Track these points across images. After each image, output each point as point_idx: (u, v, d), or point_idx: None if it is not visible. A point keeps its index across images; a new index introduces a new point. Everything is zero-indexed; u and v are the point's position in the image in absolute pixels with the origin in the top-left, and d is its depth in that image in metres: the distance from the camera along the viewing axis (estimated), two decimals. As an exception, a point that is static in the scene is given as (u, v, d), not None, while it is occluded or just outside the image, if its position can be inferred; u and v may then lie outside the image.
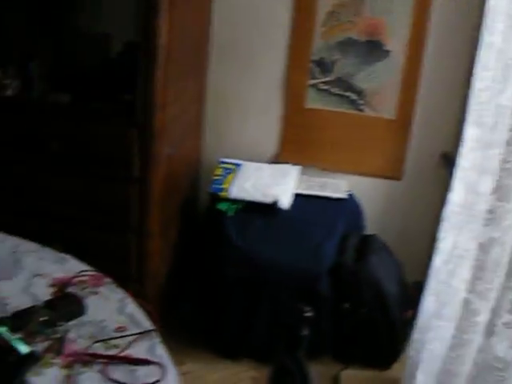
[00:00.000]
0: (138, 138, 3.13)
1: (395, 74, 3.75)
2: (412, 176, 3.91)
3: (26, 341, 1.83)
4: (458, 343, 2.73)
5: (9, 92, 3.34)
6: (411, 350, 3.23)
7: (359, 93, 3.81)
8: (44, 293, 2.12)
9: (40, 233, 2.54)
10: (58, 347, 1.87)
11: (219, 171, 3.77)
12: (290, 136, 3.96)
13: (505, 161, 2.42)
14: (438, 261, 2.98)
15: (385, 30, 3.69)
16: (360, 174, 3.95)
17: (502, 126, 2.42)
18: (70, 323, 1.98)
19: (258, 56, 3.85)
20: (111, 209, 3.27)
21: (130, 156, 3.16)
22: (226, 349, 3.62)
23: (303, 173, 3.89)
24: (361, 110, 3.85)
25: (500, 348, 2.57)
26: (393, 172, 3.92)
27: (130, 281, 2.31)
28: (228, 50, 3.86)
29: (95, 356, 1.85)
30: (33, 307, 1.98)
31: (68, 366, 1.81)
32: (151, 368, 1.84)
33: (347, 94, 3.83)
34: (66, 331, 1.94)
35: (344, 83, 3.81)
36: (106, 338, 1.94)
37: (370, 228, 3.91)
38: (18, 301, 2.06)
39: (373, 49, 3.73)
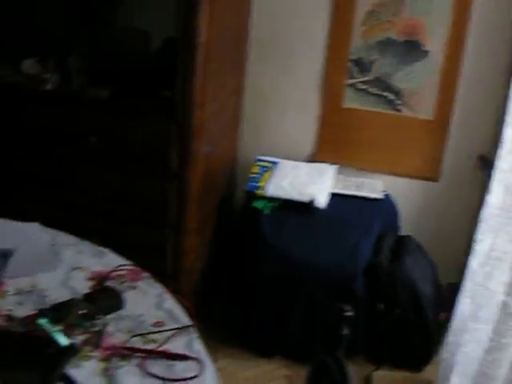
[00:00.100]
0: (176, 135, 3.14)
1: (434, 74, 3.72)
2: (449, 177, 3.88)
3: (66, 333, 1.85)
4: (495, 346, 2.71)
5: (48, 86, 3.36)
6: (445, 352, 3.21)
7: (397, 93, 3.79)
8: (82, 286, 2.13)
9: (77, 226, 2.55)
10: (96, 340, 1.88)
11: (256, 169, 3.77)
12: (327, 135, 3.95)
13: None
14: (474, 263, 2.96)
15: (424, 30, 3.66)
16: (396, 174, 3.93)
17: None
18: (109, 317, 1.99)
19: (297, 54, 3.84)
20: (149, 205, 3.29)
21: (169, 153, 3.18)
22: (260, 346, 3.62)
23: (340, 172, 3.88)
24: (398, 110, 3.83)
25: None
26: (430, 173, 3.89)
27: (165, 276, 2.31)
28: (266, 47, 3.86)
29: (133, 350, 1.85)
30: (72, 300, 1.99)
31: (106, 359, 1.82)
32: (189, 363, 1.84)
33: (385, 93, 3.81)
34: (105, 325, 1.95)
35: (382, 83, 3.79)
36: (144, 332, 1.94)
37: (405, 229, 3.89)
38: (57, 293, 2.08)
39: (411, 49, 3.71)
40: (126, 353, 1.84)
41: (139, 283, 2.20)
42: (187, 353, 1.88)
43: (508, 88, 2.76)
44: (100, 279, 2.17)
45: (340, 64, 3.81)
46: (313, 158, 3.99)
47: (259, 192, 3.61)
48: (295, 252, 3.39)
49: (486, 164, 3.61)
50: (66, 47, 3.47)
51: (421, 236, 3.78)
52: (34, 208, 3.23)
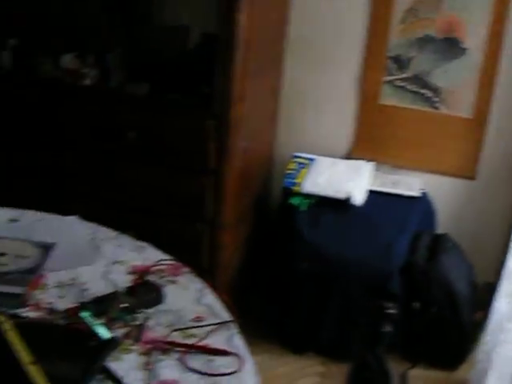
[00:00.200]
0: (214, 130, 3.15)
1: (472, 72, 3.69)
2: (486, 176, 3.85)
3: (107, 326, 1.87)
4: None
5: (87, 81, 3.38)
6: (481, 351, 3.20)
7: (435, 90, 3.77)
8: (123, 280, 2.14)
9: (115, 221, 2.57)
10: (136, 334, 1.89)
11: (292, 166, 3.77)
12: (364, 132, 3.94)
13: None
14: (511, 262, 2.94)
15: (463, 28, 3.64)
16: (433, 172, 3.90)
17: None
18: (149, 311, 2.00)
19: (335, 51, 3.83)
20: (186, 200, 3.30)
21: (206, 148, 3.18)
22: (294, 343, 3.63)
23: (377, 169, 3.87)
24: (436, 108, 3.81)
25: None
26: (467, 171, 3.86)
27: (201, 271, 2.32)
28: (304, 44, 3.85)
29: (173, 344, 1.86)
30: (113, 293, 2.01)
31: (146, 353, 1.83)
32: (229, 359, 1.84)
33: (423, 91, 3.79)
34: (145, 318, 1.96)
35: (420, 80, 3.77)
36: (184, 327, 1.95)
37: (441, 227, 3.87)
38: (97, 287, 2.09)
39: (450, 46, 3.68)
40: (166, 347, 1.85)
41: (179, 278, 2.20)
42: (227, 348, 1.88)
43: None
44: (141, 273, 2.18)
45: (378, 61, 3.79)
46: (349, 155, 3.98)
47: (296, 189, 3.61)
48: (331, 249, 3.39)
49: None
50: (105, 43, 3.49)
51: (457, 235, 3.76)
52: (73, 203, 3.26)
